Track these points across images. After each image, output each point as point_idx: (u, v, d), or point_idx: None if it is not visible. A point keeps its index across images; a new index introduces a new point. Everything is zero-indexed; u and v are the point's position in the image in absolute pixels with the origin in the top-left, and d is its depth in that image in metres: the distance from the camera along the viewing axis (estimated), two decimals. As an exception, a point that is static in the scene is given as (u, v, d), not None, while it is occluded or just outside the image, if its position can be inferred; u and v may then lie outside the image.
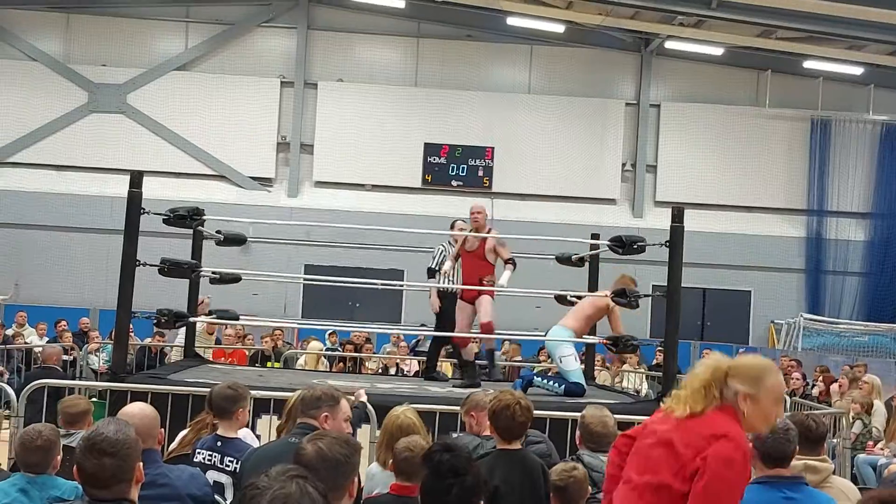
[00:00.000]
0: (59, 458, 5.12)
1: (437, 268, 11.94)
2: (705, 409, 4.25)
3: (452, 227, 12.17)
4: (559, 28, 25.06)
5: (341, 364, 16.69)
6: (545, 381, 10.93)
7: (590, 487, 5.50)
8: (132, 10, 25.97)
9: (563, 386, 10.49)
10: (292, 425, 5.75)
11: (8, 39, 25.62)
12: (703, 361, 4.56)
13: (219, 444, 5.85)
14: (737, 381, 4.28)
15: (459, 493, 3.57)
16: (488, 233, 11.33)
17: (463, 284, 11.33)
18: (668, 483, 4.16)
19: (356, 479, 3.85)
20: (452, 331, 11.60)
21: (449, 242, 12.12)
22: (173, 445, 6.72)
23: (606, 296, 10.79)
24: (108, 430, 3.60)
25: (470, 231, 11.31)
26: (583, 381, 10.67)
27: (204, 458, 5.82)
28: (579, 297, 12.41)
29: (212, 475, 5.66)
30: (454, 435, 6.79)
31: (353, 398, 6.92)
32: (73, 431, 6.52)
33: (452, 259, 11.43)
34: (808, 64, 25.38)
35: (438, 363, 13.21)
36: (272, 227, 19.78)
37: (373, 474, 5.85)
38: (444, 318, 11.91)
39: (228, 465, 5.73)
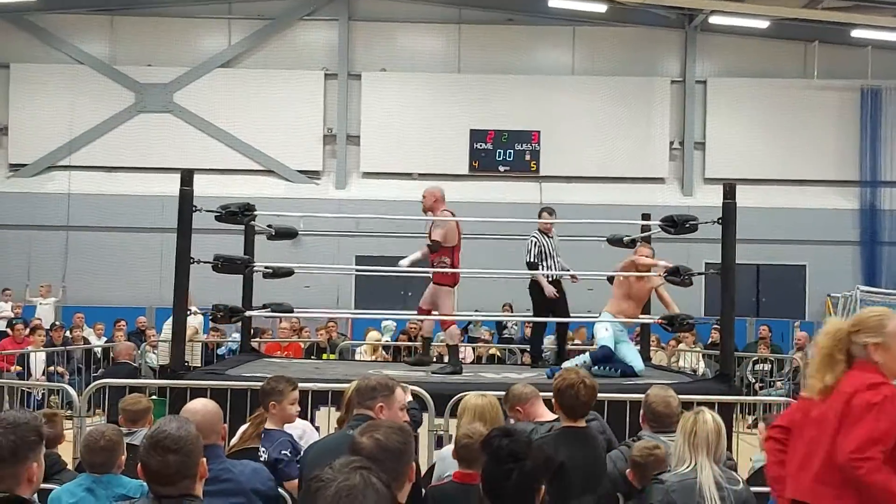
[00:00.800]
0: (124, 457, 5.17)
1: (535, 260, 11.95)
2: (838, 376, 4.28)
3: (540, 216, 12.29)
4: (601, 7, 24.88)
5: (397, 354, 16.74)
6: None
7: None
8: (175, 10, 26.13)
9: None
10: (351, 416, 5.79)
11: (53, 43, 25.90)
12: (822, 330, 4.61)
13: (263, 437, 5.96)
14: (861, 335, 4.32)
15: (519, 477, 3.55)
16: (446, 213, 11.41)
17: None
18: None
19: (413, 465, 3.89)
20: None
21: (539, 231, 12.18)
22: (234, 440, 6.77)
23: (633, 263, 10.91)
24: (170, 427, 3.63)
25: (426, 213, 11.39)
26: (610, 345, 10.67)
27: (261, 453, 5.91)
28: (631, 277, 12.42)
29: None
30: (510, 422, 6.79)
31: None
32: (135, 430, 6.59)
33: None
34: (856, 33, 24.97)
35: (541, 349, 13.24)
36: (321, 220, 19.85)
37: (443, 457, 5.86)
38: (556, 306, 11.91)
39: (261, 456, 5.84)
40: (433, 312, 11.45)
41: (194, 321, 14.53)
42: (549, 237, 12.18)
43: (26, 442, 3.47)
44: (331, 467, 2.48)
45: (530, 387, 6.75)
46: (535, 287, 12.17)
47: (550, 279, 12.03)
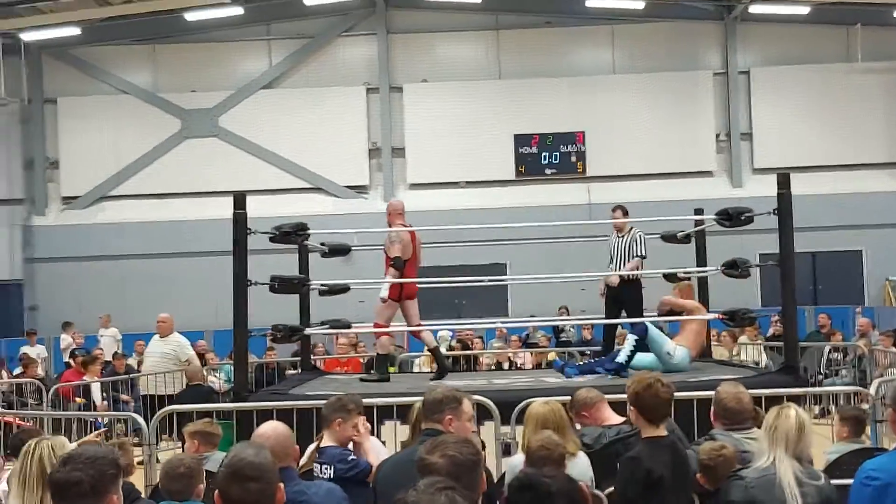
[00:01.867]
0: (203, 486, 5.20)
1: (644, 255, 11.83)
2: None
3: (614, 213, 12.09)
4: (639, 4, 24.81)
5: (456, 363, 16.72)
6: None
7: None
8: (215, 34, 26.35)
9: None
10: (420, 432, 5.77)
11: (98, 76, 26.23)
12: None
13: (318, 455, 6.00)
14: None
15: None
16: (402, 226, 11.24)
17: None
18: None
19: (484, 475, 3.87)
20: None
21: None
22: (303, 460, 6.79)
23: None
24: (247, 454, 3.63)
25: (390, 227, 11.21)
26: (654, 334, 10.73)
27: (316, 472, 5.95)
28: (688, 274, 12.37)
29: None
30: (577, 427, 6.75)
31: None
32: (207, 454, 6.63)
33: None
34: (898, 12, 24.69)
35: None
36: (372, 234, 19.86)
37: (514, 466, 5.82)
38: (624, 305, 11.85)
39: (324, 473, 5.83)
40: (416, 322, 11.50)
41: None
42: (619, 236, 11.96)
43: (106, 475, 3.50)
44: (415, 489, 2.47)
45: (595, 391, 6.71)
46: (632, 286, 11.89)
47: (629, 278, 11.80)
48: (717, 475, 5.22)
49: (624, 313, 11.75)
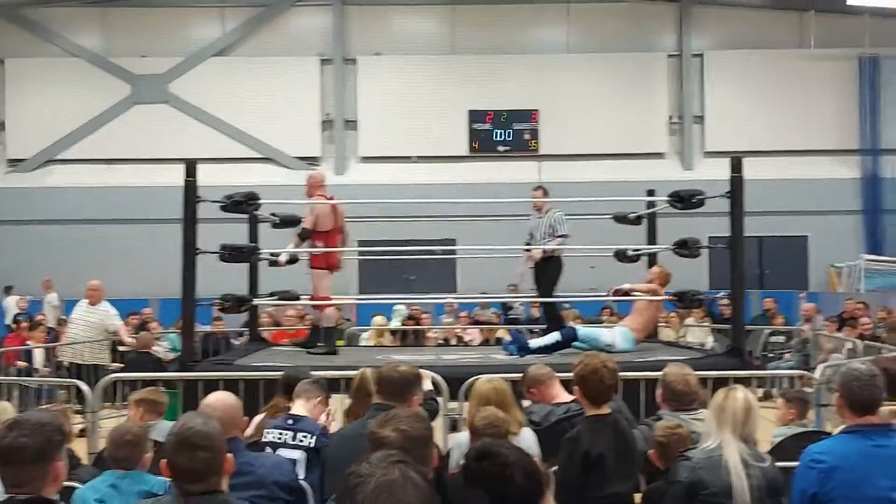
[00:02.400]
0: (150, 455, 5.14)
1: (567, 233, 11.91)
2: None
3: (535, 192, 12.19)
4: (596, -16, 24.81)
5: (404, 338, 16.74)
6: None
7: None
8: (167, 0, 26.01)
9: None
10: (368, 406, 5.73)
11: (47, 37, 25.82)
12: None
13: (289, 422, 5.89)
14: None
15: (522, 478, 3.52)
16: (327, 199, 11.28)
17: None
18: None
19: (435, 451, 3.87)
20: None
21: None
22: (249, 431, 6.74)
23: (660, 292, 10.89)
24: (195, 423, 3.60)
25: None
26: (588, 331, 10.90)
27: (274, 437, 5.86)
28: (638, 252, 12.44)
29: (284, 453, 5.69)
30: (525, 403, 6.75)
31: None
32: (152, 423, 6.57)
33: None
34: (852, 1, 24.87)
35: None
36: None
37: (460, 443, 5.82)
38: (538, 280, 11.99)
39: (302, 441, 5.75)
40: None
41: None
42: (538, 216, 12.08)
43: (52, 442, 3.45)
44: (368, 462, 2.45)
45: (547, 368, 6.71)
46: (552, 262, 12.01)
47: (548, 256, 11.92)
48: (670, 453, 5.25)
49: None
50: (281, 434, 5.86)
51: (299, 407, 6.06)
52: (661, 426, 5.52)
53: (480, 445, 3.86)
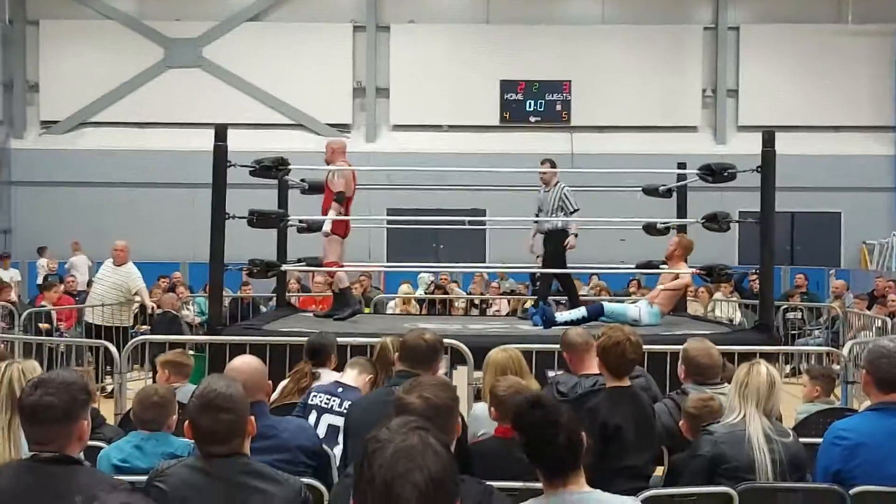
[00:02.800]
0: (175, 417, 5.17)
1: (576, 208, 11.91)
2: None
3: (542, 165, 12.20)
4: (632, -45, 24.60)
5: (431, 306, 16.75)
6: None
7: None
8: (202, -37, 26.04)
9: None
10: (392, 372, 5.75)
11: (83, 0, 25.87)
12: None
13: (340, 390, 5.89)
14: None
15: (565, 438, 3.49)
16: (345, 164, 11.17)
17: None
18: None
19: (459, 420, 3.87)
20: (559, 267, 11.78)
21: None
22: (274, 396, 6.78)
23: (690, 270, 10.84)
24: (219, 385, 3.63)
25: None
26: (615, 307, 10.87)
27: (322, 402, 5.87)
28: (667, 225, 12.39)
29: (328, 418, 5.70)
30: (551, 374, 6.73)
31: None
32: (178, 385, 6.61)
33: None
34: (891, -24, 24.57)
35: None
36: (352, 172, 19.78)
37: (477, 414, 5.81)
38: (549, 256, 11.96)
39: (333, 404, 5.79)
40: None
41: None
42: (545, 190, 12.07)
43: (78, 401, 3.48)
44: (387, 428, 2.44)
45: (586, 335, 6.28)
46: (555, 237, 12.04)
47: (545, 231, 11.96)
48: (699, 425, 5.20)
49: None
50: (329, 399, 5.86)
51: (350, 377, 6.07)
52: (694, 398, 5.47)
53: (535, 395, 3.85)
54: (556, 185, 11.96)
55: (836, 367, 8.75)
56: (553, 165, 12.17)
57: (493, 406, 5.20)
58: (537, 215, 12.10)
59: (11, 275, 20.71)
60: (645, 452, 5.28)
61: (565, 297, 12.56)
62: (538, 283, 12.83)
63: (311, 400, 5.90)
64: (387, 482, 2.28)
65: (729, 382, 5.26)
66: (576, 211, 11.85)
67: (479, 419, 5.72)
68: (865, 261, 24.64)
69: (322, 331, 7.46)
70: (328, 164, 11.15)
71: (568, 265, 12.15)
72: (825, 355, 9.55)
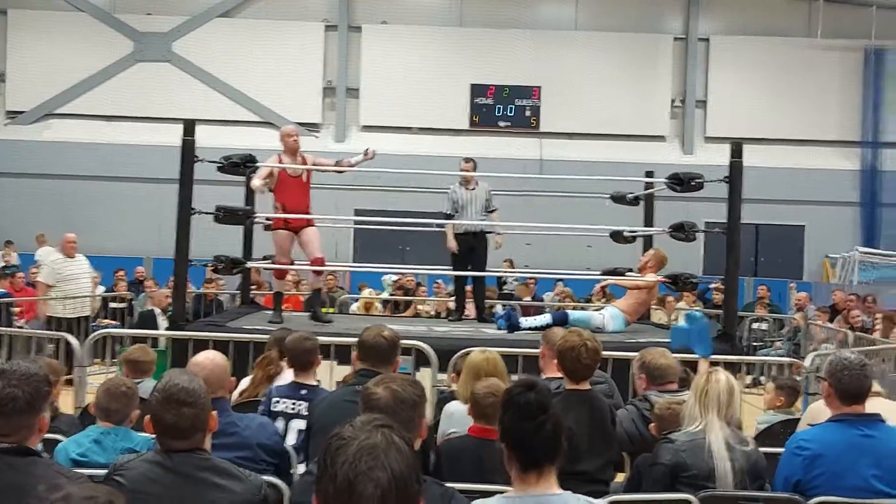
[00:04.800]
0: (137, 412, 5.13)
1: (449, 212, 12.14)
2: None
3: (461, 166, 12.25)
4: (605, -37, 24.69)
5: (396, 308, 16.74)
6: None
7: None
8: (174, -43, 25.90)
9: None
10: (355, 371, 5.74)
11: (52, -10, 25.68)
12: None
13: (303, 392, 5.81)
14: None
15: (551, 428, 3.46)
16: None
17: (288, 212, 10.90)
18: None
19: (425, 420, 3.86)
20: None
21: (459, 184, 12.13)
22: (244, 385, 6.74)
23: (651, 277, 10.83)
24: (181, 380, 3.60)
25: (285, 154, 11.11)
26: (579, 316, 10.95)
27: (286, 408, 5.79)
28: (634, 234, 12.44)
29: (296, 424, 5.63)
30: (514, 377, 6.72)
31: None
32: (141, 381, 6.56)
33: (262, 180, 10.82)
34: (861, -9, 24.80)
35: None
36: (320, 173, 19.73)
37: (451, 413, 5.80)
38: (469, 260, 12.10)
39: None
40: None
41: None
42: (468, 189, 12.09)
43: (40, 393, 3.45)
44: (351, 425, 2.43)
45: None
46: (484, 237, 12.18)
47: (465, 231, 11.98)
48: (666, 425, 5.20)
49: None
50: (294, 404, 5.80)
51: (305, 376, 6.00)
52: (664, 400, 5.48)
53: (522, 380, 3.83)
54: (478, 184, 12.16)
55: (797, 378, 8.80)
56: (475, 165, 12.29)
57: (472, 405, 5.20)
58: (451, 215, 12.10)
59: (-29, 266, 20.47)
60: (599, 457, 5.27)
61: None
62: (455, 285, 12.87)
63: (275, 406, 5.82)
64: (349, 479, 2.27)
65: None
66: (495, 210, 12.12)
67: (453, 418, 5.72)
68: (828, 274, 24.85)
69: (285, 326, 7.44)
70: (296, 154, 11.03)
71: (534, 270, 12.24)
72: (787, 366, 9.61)
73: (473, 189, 12.08)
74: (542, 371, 6.28)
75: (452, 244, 12.14)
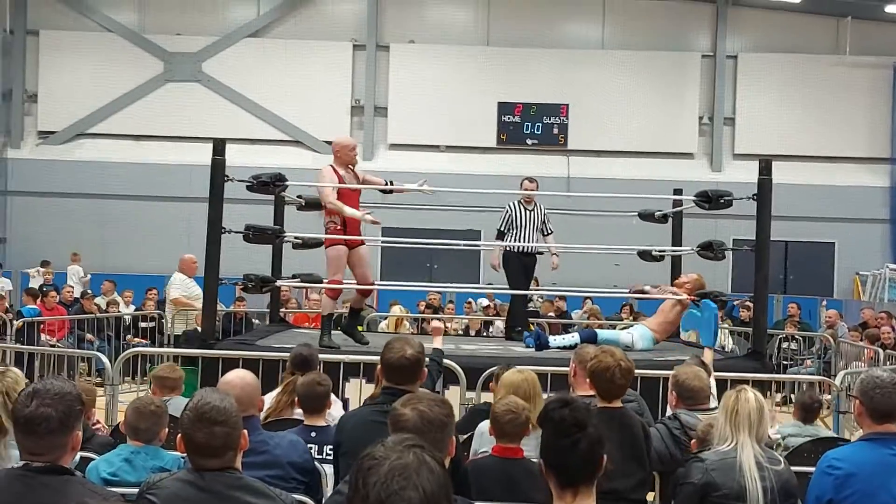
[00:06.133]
0: (166, 430, 5.15)
1: (503, 229, 11.98)
2: None
3: (521, 185, 12.18)
4: (633, -19, 24.70)
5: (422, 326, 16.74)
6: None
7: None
8: (205, -22, 26.12)
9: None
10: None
11: (84, 11, 25.91)
12: None
13: (313, 434, 5.71)
14: None
15: (587, 446, 3.43)
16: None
17: (345, 227, 10.36)
18: None
19: (454, 439, 3.85)
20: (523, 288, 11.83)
21: (518, 202, 12.05)
22: (268, 405, 6.73)
23: (687, 297, 10.72)
24: (213, 398, 3.61)
25: (339, 166, 10.50)
26: (606, 335, 10.89)
27: None
28: (663, 253, 12.40)
29: (321, 469, 5.57)
30: (543, 396, 6.69)
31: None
32: (169, 398, 6.59)
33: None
34: (890, 8, 24.69)
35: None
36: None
37: (482, 432, 5.77)
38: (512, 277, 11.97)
39: (330, 454, 5.51)
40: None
41: None
42: (527, 208, 12.03)
43: (73, 411, 3.47)
44: (383, 445, 2.44)
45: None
46: (504, 257, 12.08)
47: (517, 250, 11.84)
48: (707, 445, 5.16)
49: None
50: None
51: (315, 419, 5.90)
52: (705, 420, 5.44)
53: (558, 396, 3.81)
54: (537, 203, 12.08)
55: (827, 396, 8.76)
56: (538, 185, 12.26)
57: (491, 423, 5.19)
58: (506, 233, 11.97)
59: (2, 284, 20.66)
60: (632, 477, 5.23)
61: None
62: (513, 304, 12.73)
63: None
64: (381, 499, 2.27)
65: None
66: (552, 233, 12.08)
67: (483, 437, 5.69)
68: (858, 291, 24.68)
69: (306, 343, 7.45)
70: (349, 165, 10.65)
71: (562, 287, 12.19)
72: (818, 384, 9.55)
73: (532, 209, 11.97)
74: (572, 388, 6.26)
75: (497, 261, 12.04)
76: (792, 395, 11.81)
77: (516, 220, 11.92)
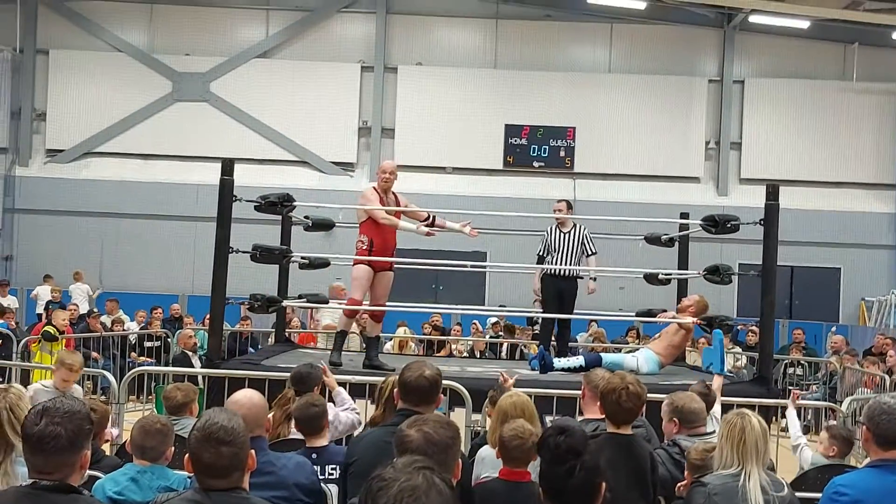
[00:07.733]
0: (172, 449, 5.15)
1: (541, 254, 11.83)
2: None
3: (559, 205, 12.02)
4: (640, 5, 24.77)
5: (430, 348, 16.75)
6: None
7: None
8: (213, 0, 26.24)
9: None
10: (392, 412, 5.71)
11: (93, 31, 26.04)
12: None
13: (314, 455, 5.62)
14: None
15: (582, 474, 3.45)
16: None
17: (376, 249, 10.44)
18: None
19: (460, 462, 3.85)
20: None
21: (556, 226, 11.85)
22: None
23: (693, 321, 10.72)
24: (220, 418, 3.60)
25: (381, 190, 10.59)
26: (612, 358, 10.92)
27: None
28: (669, 276, 12.40)
29: (327, 489, 5.56)
30: (549, 419, 6.71)
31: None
32: (176, 419, 6.58)
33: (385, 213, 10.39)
34: (897, 35, 24.76)
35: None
36: (354, 212, 19.80)
37: (483, 458, 5.77)
38: (546, 302, 11.82)
39: (332, 474, 5.51)
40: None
41: None
42: (563, 230, 11.81)
43: (83, 431, 3.47)
44: (393, 466, 2.45)
45: (608, 378, 6.29)
46: (542, 282, 11.91)
47: (551, 273, 11.69)
48: (703, 473, 5.14)
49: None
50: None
51: (315, 439, 5.82)
52: (697, 449, 5.41)
53: (557, 422, 3.81)
54: (574, 226, 11.77)
55: (833, 422, 8.72)
56: (570, 206, 12.08)
57: (499, 448, 5.17)
58: (547, 257, 11.82)
59: (9, 302, 20.70)
60: (638, 501, 5.22)
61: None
62: (540, 327, 12.57)
63: None
64: (391, 521, 2.28)
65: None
66: (594, 254, 11.74)
67: (484, 462, 5.69)
68: (864, 317, 24.65)
69: (311, 363, 7.45)
70: (389, 192, 10.62)
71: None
72: (825, 410, 9.53)
73: (568, 231, 11.71)
74: (582, 412, 6.25)
75: (536, 287, 11.94)
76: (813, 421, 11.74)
77: (553, 244, 11.71)
